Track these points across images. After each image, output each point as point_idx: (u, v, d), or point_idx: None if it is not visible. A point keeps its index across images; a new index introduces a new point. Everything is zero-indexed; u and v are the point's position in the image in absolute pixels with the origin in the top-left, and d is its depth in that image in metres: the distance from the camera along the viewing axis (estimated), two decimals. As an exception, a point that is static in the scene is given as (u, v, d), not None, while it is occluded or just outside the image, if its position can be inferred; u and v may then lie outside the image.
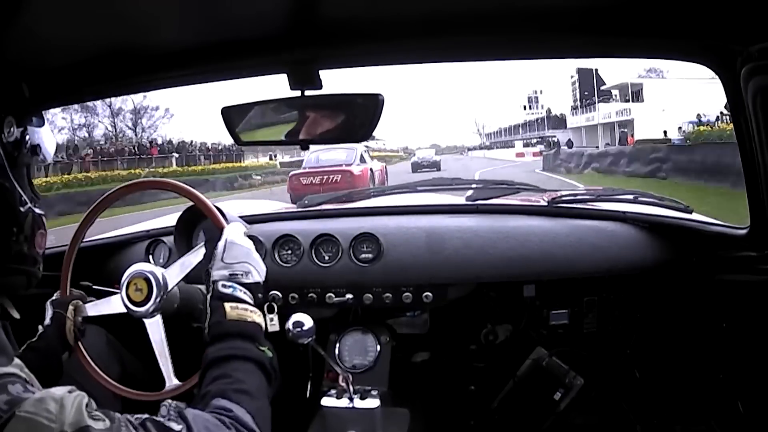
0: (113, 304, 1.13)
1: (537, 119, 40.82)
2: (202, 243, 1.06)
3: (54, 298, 1.18)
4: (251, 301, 0.91)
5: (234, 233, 0.99)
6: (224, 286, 0.91)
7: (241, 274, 0.93)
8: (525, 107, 44.76)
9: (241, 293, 0.91)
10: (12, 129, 0.86)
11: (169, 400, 0.74)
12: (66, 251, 1.18)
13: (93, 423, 0.58)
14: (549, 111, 40.44)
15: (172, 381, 1.08)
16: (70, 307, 1.13)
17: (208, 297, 0.91)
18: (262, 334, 0.88)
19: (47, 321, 1.14)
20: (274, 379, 0.85)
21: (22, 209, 0.87)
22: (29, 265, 0.90)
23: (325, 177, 9.73)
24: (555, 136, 33.00)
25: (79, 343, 1.12)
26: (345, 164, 10.04)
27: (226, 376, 0.79)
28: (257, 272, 0.95)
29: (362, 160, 10.65)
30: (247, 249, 0.97)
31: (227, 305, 0.88)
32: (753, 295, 1.23)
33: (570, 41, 0.95)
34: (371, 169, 10.83)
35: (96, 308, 1.16)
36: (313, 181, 9.73)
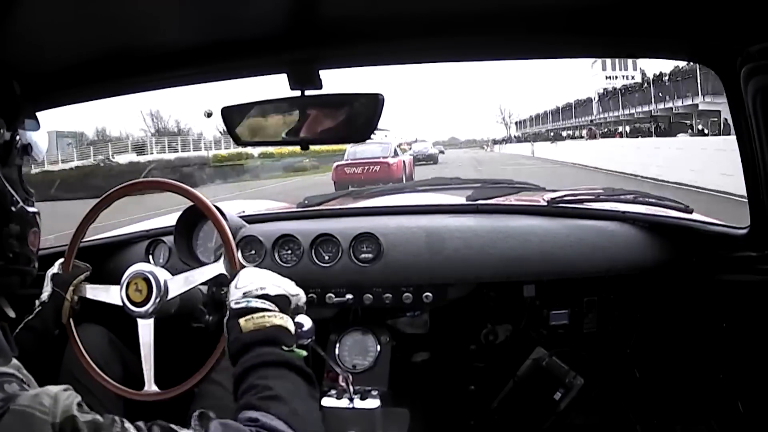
0: (112, 295, 1.14)
1: (636, 84, 22.36)
2: (212, 261, 1.06)
3: (55, 271, 1.17)
4: (272, 308, 0.87)
5: (248, 270, 0.97)
6: (236, 303, 0.88)
7: (256, 289, 0.90)
8: (605, 68, 31.04)
9: (257, 303, 0.87)
10: (2, 131, 0.86)
11: (196, 412, 0.74)
12: (66, 250, 1.18)
13: (80, 415, 0.58)
14: (644, 74, 24.20)
15: (151, 386, 1.08)
16: (71, 288, 1.14)
17: (225, 320, 0.88)
18: (288, 336, 0.84)
19: (44, 297, 1.14)
20: (311, 376, 0.80)
21: (13, 209, 0.88)
22: (23, 264, 0.91)
23: (366, 167, 11.11)
24: (717, 113, 15.41)
25: (71, 322, 1.13)
26: (382, 157, 11.53)
27: (252, 387, 0.76)
28: (276, 287, 0.91)
29: (396, 153, 12.24)
30: (262, 273, 0.95)
31: (241, 320, 0.84)
32: (753, 295, 1.23)
33: (570, 41, 0.95)
34: (404, 162, 12.33)
35: (94, 292, 1.16)
36: (356, 171, 11.13)
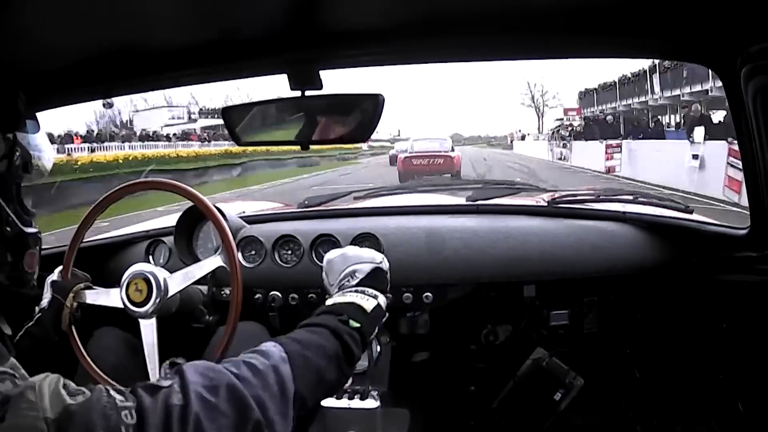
0: (112, 297, 1.14)
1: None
2: (209, 255, 1.06)
3: (55, 279, 1.17)
4: (363, 292, 0.87)
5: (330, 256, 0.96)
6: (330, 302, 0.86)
7: (347, 279, 0.91)
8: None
9: (351, 290, 0.87)
10: (1, 145, 0.83)
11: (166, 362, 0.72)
12: (66, 251, 1.18)
13: (71, 400, 0.56)
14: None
15: None
16: (71, 295, 1.13)
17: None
18: (353, 310, 0.82)
19: (44, 303, 1.13)
20: (348, 346, 0.76)
21: (9, 229, 0.85)
22: (18, 286, 0.88)
23: (432, 160, 12.11)
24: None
25: (73, 329, 1.12)
26: (443, 151, 12.68)
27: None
28: (365, 264, 0.92)
29: (452, 148, 13.32)
30: (340, 256, 0.94)
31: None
32: (753, 295, 1.23)
33: (570, 41, 0.95)
34: (459, 156, 13.32)
35: (94, 297, 1.16)
36: (422, 162, 12.14)
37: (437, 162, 12.11)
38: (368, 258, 0.94)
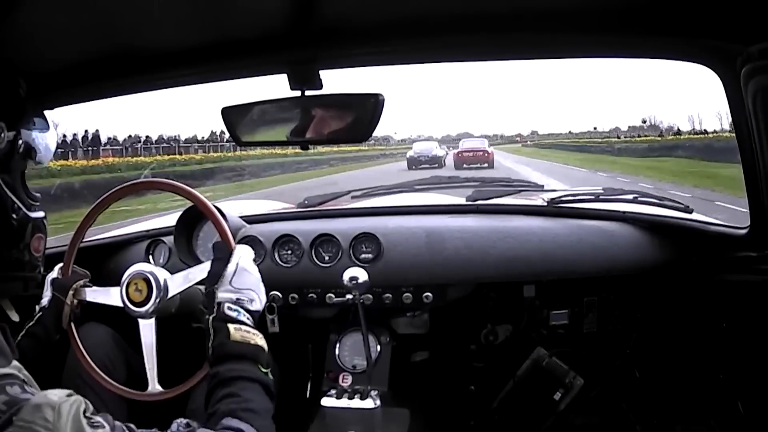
0: (112, 296, 1.14)
1: None
2: (210, 260, 1.06)
3: (55, 276, 1.17)
4: (253, 326, 0.93)
5: (245, 258, 1.00)
6: (230, 308, 0.92)
7: (247, 301, 0.95)
8: None
9: (245, 318, 0.92)
10: (3, 134, 0.84)
11: (181, 419, 0.76)
12: (66, 250, 1.18)
13: (91, 431, 0.58)
14: None
15: (155, 386, 1.09)
16: (70, 293, 1.13)
17: (211, 318, 0.91)
18: (264, 356, 0.89)
19: (45, 302, 1.13)
20: (274, 399, 0.87)
21: (15, 216, 0.86)
22: (27, 270, 0.90)
23: (475, 153, 17.48)
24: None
25: (72, 327, 1.13)
26: (483, 148, 18.19)
27: (234, 395, 0.80)
28: (259, 302, 0.97)
29: (489, 146, 18.94)
30: (256, 278, 0.99)
31: (231, 327, 0.89)
32: (753, 295, 1.23)
33: (570, 41, 0.95)
34: (492, 151, 18.60)
35: (94, 295, 1.15)
36: (469, 155, 17.33)
37: (479, 155, 17.34)
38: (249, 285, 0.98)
